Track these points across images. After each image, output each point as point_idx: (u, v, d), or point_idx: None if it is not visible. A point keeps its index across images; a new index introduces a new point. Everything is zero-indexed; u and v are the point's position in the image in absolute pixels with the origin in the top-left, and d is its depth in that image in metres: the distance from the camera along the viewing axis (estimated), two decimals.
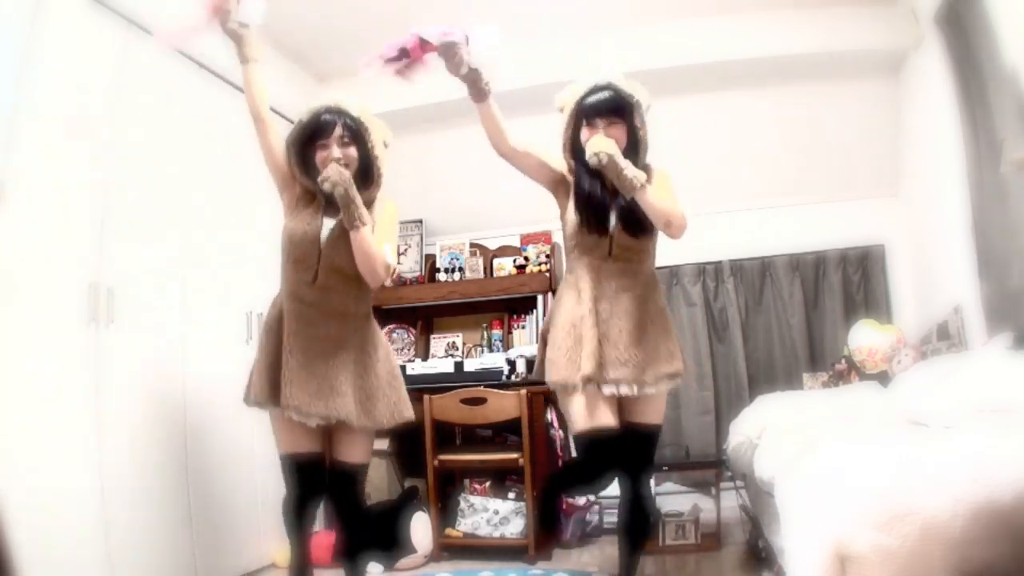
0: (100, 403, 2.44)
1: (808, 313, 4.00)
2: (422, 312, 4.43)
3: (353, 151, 2.18)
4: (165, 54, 2.90)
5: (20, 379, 2.17)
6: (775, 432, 2.40)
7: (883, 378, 3.15)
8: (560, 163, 2.23)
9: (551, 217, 4.33)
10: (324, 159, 2.14)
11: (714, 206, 4.12)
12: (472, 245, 4.41)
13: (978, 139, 2.76)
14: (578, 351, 2.07)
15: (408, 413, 2.32)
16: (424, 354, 4.31)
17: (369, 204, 2.19)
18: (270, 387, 2.16)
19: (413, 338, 4.40)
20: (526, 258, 4.23)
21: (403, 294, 4.36)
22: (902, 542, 1.25)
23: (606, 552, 3.43)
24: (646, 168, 2.18)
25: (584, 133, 2.09)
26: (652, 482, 2.25)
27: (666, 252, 4.11)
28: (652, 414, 2.18)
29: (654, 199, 2.02)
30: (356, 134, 2.20)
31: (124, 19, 2.67)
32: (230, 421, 3.01)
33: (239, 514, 3.06)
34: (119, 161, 2.62)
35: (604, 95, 2.08)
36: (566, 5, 3.57)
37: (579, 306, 2.11)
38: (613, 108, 2.07)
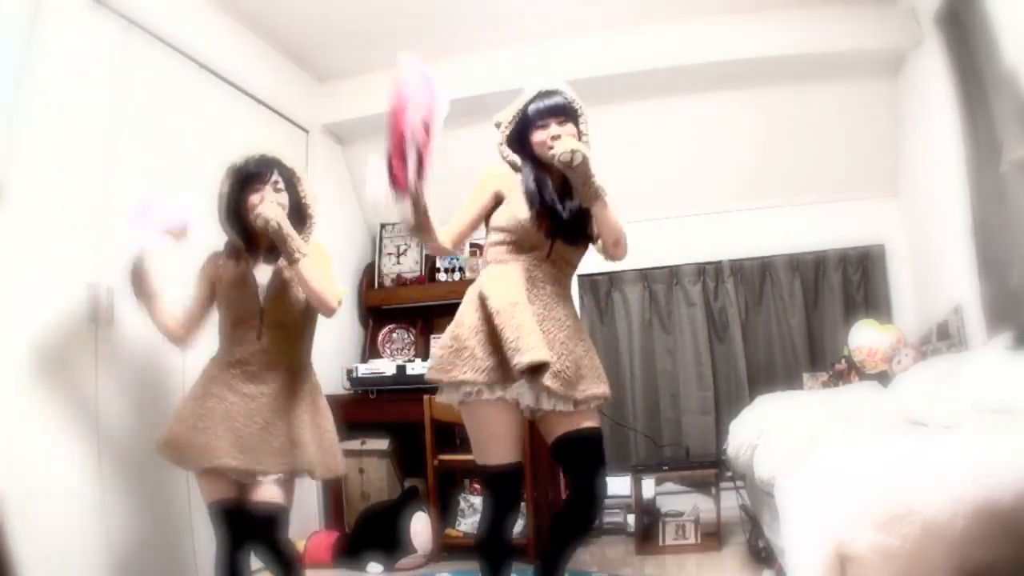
0: (100, 403, 2.44)
1: (808, 313, 4.00)
2: (422, 312, 4.42)
3: (285, 197, 2.18)
4: (165, 54, 2.90)
5: (20, 379, 2.17)
6: (775, 432, 2.39)
7: (883, 378, 3.15)
8: (484, 188, 2.13)
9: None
10: (255, 203, 2.12)
11: (714, 206, 4.12)
12: (472, 245, 4.40)
13: (978, 139, 2.76)
14: (518, 337, 1.85)
15: (338, 469, 2.27)
16: (424, 354, 4.31)
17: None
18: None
19: (413, 338, 4.40)
20: None
21: (403, 294, 4.36)
22: (902, 542, 1.25)
23: (606, 552, 3.43)
24: None
25: (537, 134, 2.04)
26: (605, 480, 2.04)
27: (666, 252, 4.16)
28: (587, 421, 1.99)
29: (611, 214, 1.95)
30: (289, 182, 2.21)
31: (124, 19, 2.67)
32: None
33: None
34: (119, 161, 2.62)
35: (552, 99, 2.06)
36: (563, 6, 3.56)
37: (517, 293, 1.95)
38: (562, 111, 2.04)
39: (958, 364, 2.39)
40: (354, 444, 3.67)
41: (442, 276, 4.32)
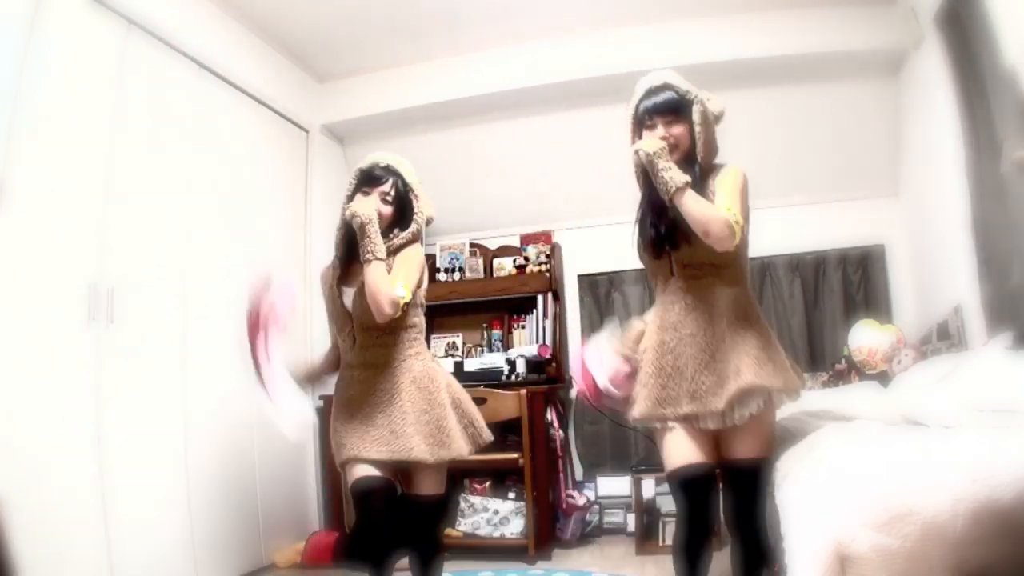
0: (100, 403, 2.44)
1: (808, 313, 4.00)
2: None
3: (390, 210, 2.20)
4: (165, 54, 2.90)
5: (21, 379, 2.17)
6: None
7: (883, 378, 3.15)
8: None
9: (551, 217, 4.38)
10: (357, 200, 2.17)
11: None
12: (472, 245, 4.41)
13: (978, 139, 2.76)
14: (645, 388, 1.92)
15: (485, 436, 2.32)
16: None
17: (398, 248, 2.20)
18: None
19: None
20: (526, 258, 4.23)
21: None
22: (902, 542, 1.25)
23: (606, 552, 3.43)
24: (712, 167, 1.97)
25: (646, 135, 1.95)
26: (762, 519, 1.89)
27: None
28: (745, 447, 1.85)
29: (691, 204, 1.79)
30: (404, 196, 2.23)
31: (124, 19, 2.67)
32: (230, 421, 3.02)
33: (239, 514, 3.06)
34: (119, 161, 2.62)
35: (660, 96, 1.96)
36: (563, 6, 3.56)
37: (650, 338, 1.96)
38: (671, 107, 1.94)
39: (958, 364, 2.39)
40: None
41: (442, 276, 4.32)
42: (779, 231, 4.06)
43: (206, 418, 2.92)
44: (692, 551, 1.86)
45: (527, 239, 4.31)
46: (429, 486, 2.18)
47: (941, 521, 1.25)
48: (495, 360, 3.74)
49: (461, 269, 4.32)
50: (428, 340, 4.39)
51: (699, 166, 1.93)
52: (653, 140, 1.86)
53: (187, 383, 2.84)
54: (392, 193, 2.19)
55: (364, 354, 2.18)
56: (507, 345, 4.17)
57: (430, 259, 4.43)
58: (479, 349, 4.25)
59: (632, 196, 2.07)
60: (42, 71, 2.31)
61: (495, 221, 4.44)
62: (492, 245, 4.42)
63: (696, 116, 1.93)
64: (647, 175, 1.87)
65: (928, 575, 1.25)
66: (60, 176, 2.39)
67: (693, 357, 1.87)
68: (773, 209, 4.10)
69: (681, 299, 1.92)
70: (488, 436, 2.32)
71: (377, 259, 2.05)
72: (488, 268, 4.33)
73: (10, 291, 2.17)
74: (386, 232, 2.16)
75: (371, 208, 2.10)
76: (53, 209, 2.35)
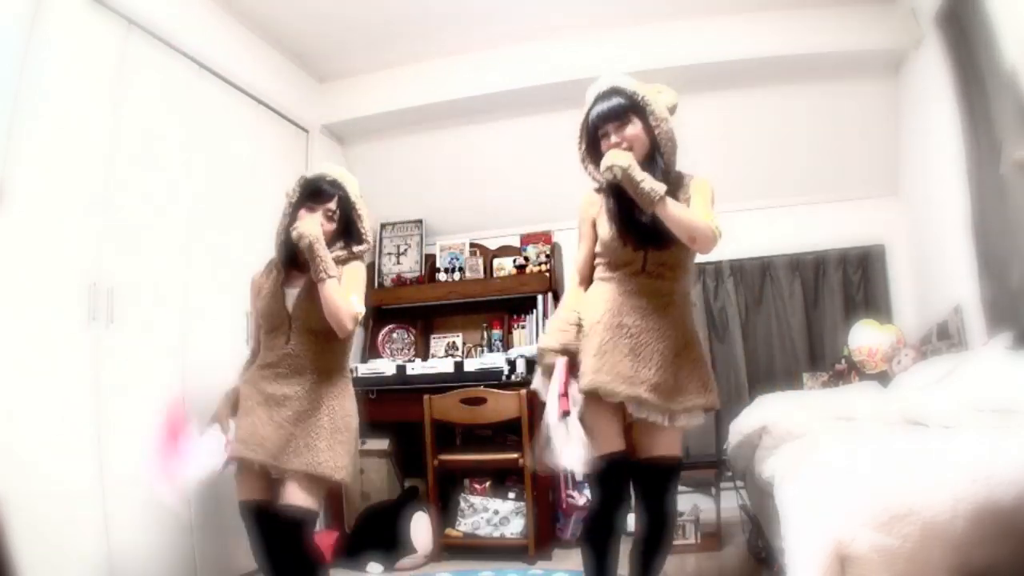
0: (100, 403, 2.44)
1: (808, 313, 4.00)
2: (422, 312, 4.43)
3: (333, 226, 2.25)
4: (165, 54, 2.90)
5: (21, 379, 2.18)
6: (775, 432, 2.39)
7: (883, 378, 3.15)
8: (583, 217, 2.13)
9: (551, 217, 4.38)
10: (301, 217, 2.20)
11: (714, 206, 4.11)
12: (472, 245, 4.41)
13: (978, 139, 2.76)
14: (601, 360, 1.92)
15: (336, 474, 2.18)
16: (424, 354, 4.31)
17: (343, 261, 2.25)
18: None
19: (413, 338, 4.40)
20: (526, 258, 4.23)
21: (403, 294, 4.36)
22: (902, 542, 1.25)
23: None
24: (679, 177, 2.07)
25: (602, 145, 2.00)
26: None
27: None
28: (669, 445, 1.98)
29: (676, 212, 1.86)
30: (347, 210, 2.28)
31: (124, 19, 2.67)
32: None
33: (239, 514, 3.06)
34: (119, 161, 2.62)
35: (608, 102, 2.00)
36: (563, 6, 3.56)
37: (605, 315, 1.97)
38: (620, 112, 1.98)
39: (958, 364, 2.39)
40: None
41: (442, 276, 4.32)
42: (779, 231, 4.08)
43: (206, 418, 2.91)
44: (606, 536, 1.95)
45: (527, 239, 4.31)
46: (302, 498, 2.12)
47: (941, 521, 1.25)
48: (495, 360, 3.73)
49: (461, 269, 4.32)
50: (428, 340, 4.42)
51: (663, 163, 2.00)
52: (620, 153, 1.89)
53: (187, 383, 2.84)
54: (337, 211, 2.25)
55: (295, 358, 2.20)
56: (507, 345, 4.17)
57: (430, 259, 4.44)
58: (479, 349, 4.25)
59: None
60: (42, 71, 2.31)
61: (495, 221, 4.44)
62: (492, 245, 4.42)
63: (651, 116, 1.99)
64: (617, 186, 1.91)
65: (928, 575, 1.25)
66: (60, 176, 2.39)
67: (660, 353, 1.93)
68: (773, 209, 4.12)
69: (647, 295, 1.98)
70: (339, 478, 2.22)
71: (331, 277, 2.11)
72: (488, 268, 4.33)
73: (10, 291, 2.17)
74: (329, 244, 2.20)
75: (317, 227, 2.15)
76: (53, 209, 2.35)
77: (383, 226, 4.50)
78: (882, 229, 3.97)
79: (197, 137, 3.06)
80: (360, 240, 2.32)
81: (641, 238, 1.96)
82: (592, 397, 1.92)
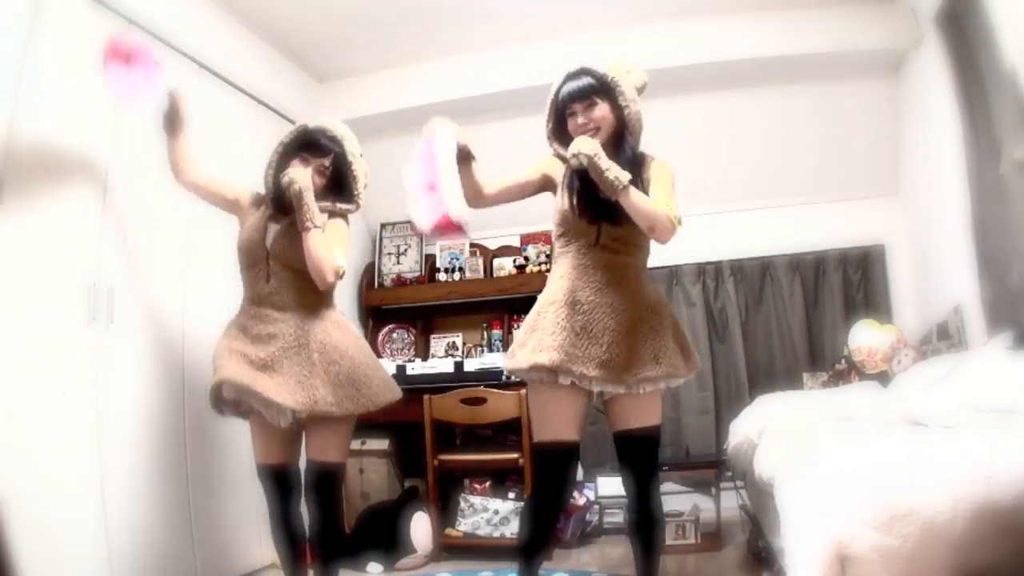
0: (100, 403, 2.44)
1: (808, 313, 4.00)
2: (422, 312, 4.43)
3: (323, 182, 2.27)
4: (165, 54, 2.90)
5: (21, 379, 2.17)
6: (775, 432, 2.40)
7: (883, 378, 3.15)
8: (539, 165, 2.16)
9: (551, 217, 4.37)
10: (294, 167, 2.22)
11: (714, 206, 4.12)
12: (472, 245, 4.41)
13: (978, 139, 2.76)
14: (546, 338, 1.94)
15: (393, 392, 2.33)
16: (424, 354, 4.31)
17: (333, 214, 2.26)
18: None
19: (413, 338, 4.40)
20: (526, 258, 4.23)
21: (403, 294, 4.36)
22: (902, 542, 1.25)
23: (606, 552, 3.43)
24: (642, 159, 2.09)
25: (569, 123, 2.05)
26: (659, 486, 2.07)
27: (666, 252, 4.14)
28: (644, 415, 2.00)
29: (638, 202, 1.89)
30: (342, 166, 2.28)
31: (124, 19, 2.67)
32: (230, 420, 3.01)
33: (239, 514, 3.06)
34: (119, 161, 2.62)
35: (577, 82, 2.03)
36: (563, 6, 3.56)
37: (558, 293, 2.00)
38: (588, 92, 2.01)
39: (958, 364, 2.39)
40: (354, 444, 3.66)
41: (442, 276, 4.32)
42: (779, 231, 4.08)
43: (206, 418, 2.91)
44: (546, 520, 2.02)
45: (527, 239, 4.31)
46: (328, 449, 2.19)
47: (941, 521, 1.25)
48: (495, 360, 3.73)
49: (461, 269, 4.32)
50: (428, 340, 4.42)
51: (630, 144, 2.03)
52: (587, 141, 1.90)
53: (187, 383, 2.84)
54: (330, 168, 2.25)
55: (277, 296, 2.22)
56: (507, 345, 4.16)
57: (430, 259, 4.44)
58: (479, 349, 4.25)
59: None
60: (42, 71, 2.31)
61: (495, 221, 4.42)
62: (492, 245, 4.42)
63: (620, 96, 2.01)
64: (583, 172, 1.93)
65: (928, 575, 1.25)
66: (60, 176, 2.38)
67: (610, 329, 1.95)
68: (773, 209, 4.12)
69: (602, 268, 2.00)
70: (384, 400, 2.30)
71: (316, 227, 2.11)
72: (488, 268, 4.33)
73: (10, 291, 2.17)
74: (317, 197, 2.20)
75: (308, 177, 2.15)
76: (53, 209, 2.35)
77: (383, 226, 4.50)
78: (882, 229, 3.97)
79: (196, 136, 3.06)
80: (350, 199, 2.31)
81: (595, 211, 1.99)
82: (547, 381, 1.94)
